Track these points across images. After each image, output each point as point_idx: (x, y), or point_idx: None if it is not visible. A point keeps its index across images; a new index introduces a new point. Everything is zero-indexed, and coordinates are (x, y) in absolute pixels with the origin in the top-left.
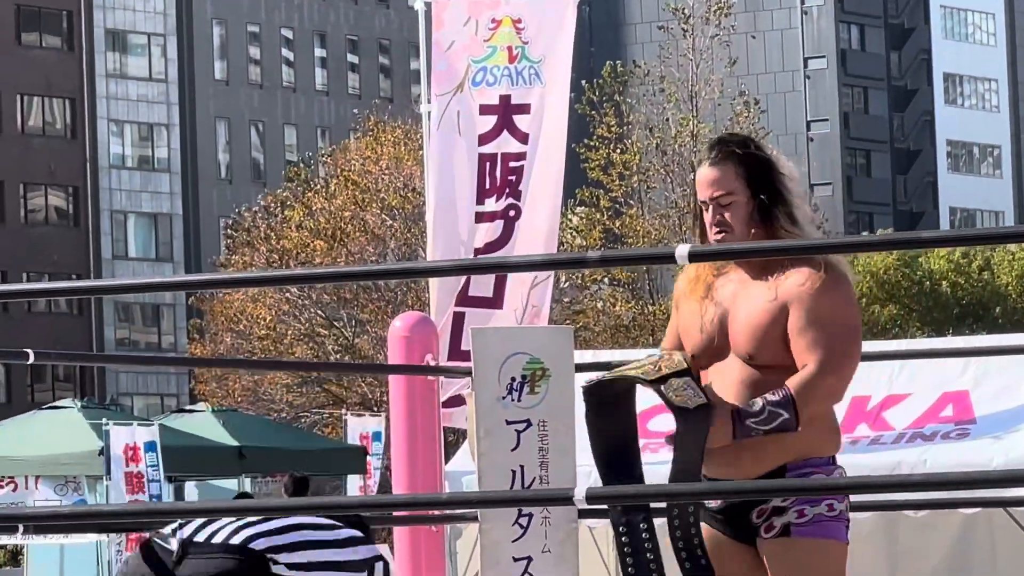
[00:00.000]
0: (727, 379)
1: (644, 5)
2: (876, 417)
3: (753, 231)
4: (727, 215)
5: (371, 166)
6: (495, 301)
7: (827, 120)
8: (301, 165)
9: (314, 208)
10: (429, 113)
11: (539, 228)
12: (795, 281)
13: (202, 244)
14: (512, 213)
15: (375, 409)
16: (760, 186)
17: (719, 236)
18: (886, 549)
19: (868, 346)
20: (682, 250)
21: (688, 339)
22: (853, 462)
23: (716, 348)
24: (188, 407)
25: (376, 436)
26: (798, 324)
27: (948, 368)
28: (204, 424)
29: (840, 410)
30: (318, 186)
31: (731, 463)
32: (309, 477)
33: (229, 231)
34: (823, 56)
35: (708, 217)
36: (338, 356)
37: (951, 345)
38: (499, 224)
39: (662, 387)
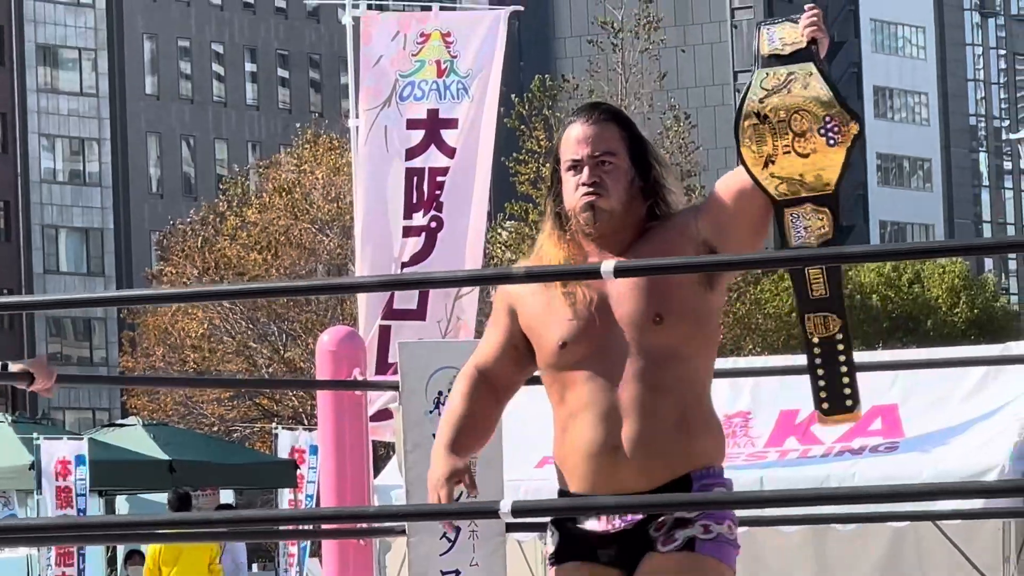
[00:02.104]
0: (630, 364)
1: (573, 19)
2: (805, 431)
3: (631, 202)
4: (605, 177)
5: (304, 179)
6: (419, 313)
7: None
8: (237, 178)
9: (247, 221)
10: (357, 128)
11: (464, 241)
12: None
13: (134, 258)
14: (434, 225)
15: (307, 423)
16: (641, 159)
17: (588, 197)
18: (815, 563)
19: (796, 359)
20: (608, 265)
21: (548, 331)
22: (782, 476)
23: (596, 333)
24: (119, 421)
25: (313, 450)
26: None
27: (877, 382)
28: (135, 438)
29: (769, 424)
30: (251, 199)
31: (633, 473)
32: (190, 492)
33: (162, 242)
34: (751, 71)
35: (576, 179)
36: (270, 369)
37: (880, 359)
38: (423, 237)
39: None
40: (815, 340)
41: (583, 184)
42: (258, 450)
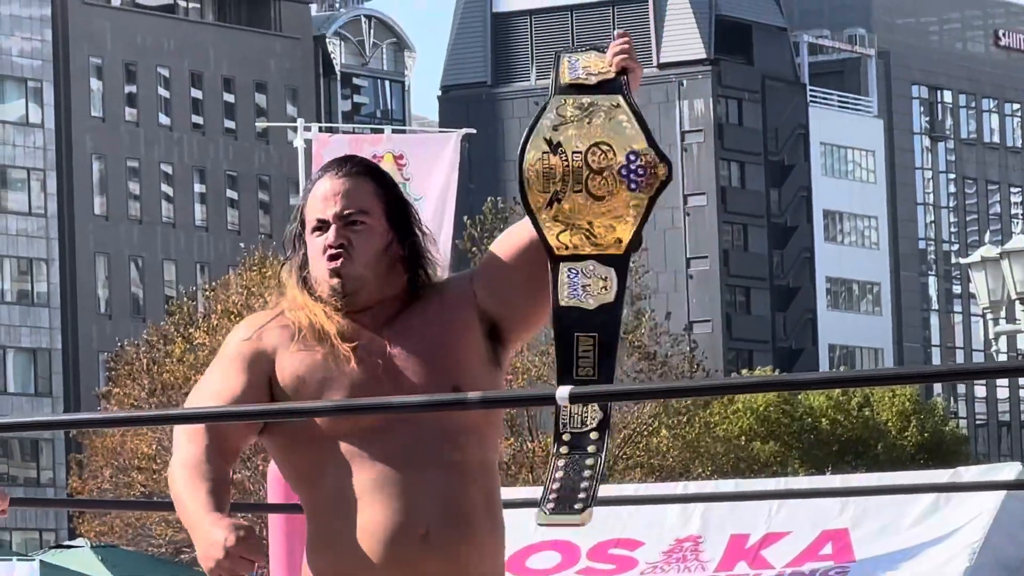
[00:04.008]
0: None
1: None
2: (755, 555)
3: (388, 271)
4: (353, 238)
5: (253, 300)
6: None
7: (706, 257)
8: (184, 300)
9: (195, 342)
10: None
11: None
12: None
13: (81, 379)
14: None
15: None
16: (401, 223)
17: (334, 262)
18: None
19: (748, 484)
20: (562, 392)
21: (323, 392)
22: None
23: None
24: (67, 543)
25: None
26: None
27: (827, 506)
28: (84, 560)
29: (719, 548)
30: (199, 320)
31: (441, 565)
32: None
33: (111, 364)
34: (703, 193)
35: (321, 240)
36: None
37: (830, 483)
38: None
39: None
40: (567, 436)
41: (329, 247)
42: None
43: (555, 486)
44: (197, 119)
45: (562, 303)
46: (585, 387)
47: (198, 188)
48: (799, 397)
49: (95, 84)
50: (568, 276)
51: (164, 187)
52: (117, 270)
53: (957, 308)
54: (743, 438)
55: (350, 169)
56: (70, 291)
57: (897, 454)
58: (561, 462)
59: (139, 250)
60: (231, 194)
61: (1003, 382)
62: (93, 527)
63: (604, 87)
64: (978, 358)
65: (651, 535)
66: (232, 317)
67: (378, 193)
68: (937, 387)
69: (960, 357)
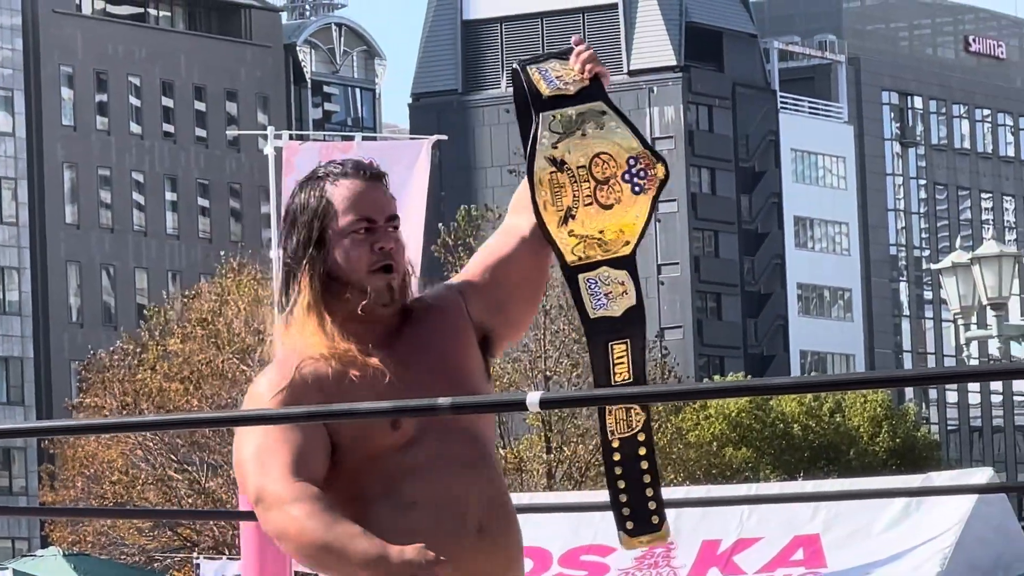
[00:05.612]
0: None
1: (494, 149)
2: (727, 561)
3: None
4: (396, 244)
5: (225, 309)
6: None
7: (677, 264)
8: (156, 307)
9: (169, 350)
10: (278, 258)
11: None
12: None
13: (53, 387)
14: None
15: (228, 552)
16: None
17: (390, 260)
18: None
19: (719, 490)
20: (533, 397)
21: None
22: None
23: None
24: (39, 551)
25: None
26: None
27: (799, 511)
28: (55, 568)
29: (691, 554)
30: (172, 329)
31: (502, 566)
32: None
33: (83, 373)
34: (674, 200)
35: (368, 240)
36: (191, 500)
37: (802, 489)
38: None
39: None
40: (615, 443)
41: (383, 248)
42: None
43: (624, 504)
44: (168, 127)
45: (592, 316)
46: (555, 393)
47: (169, 196)
48: (771, 403)
49: (66, 93)
50: (589, 287)
51: (135, 195)
52: (89, 279)
53: (928, 314)
54: (715, 444)
55: (376, 174)
56: (42, 300)
57: (869, 460)
58: (619, 470)
59: (110, 258)
60: (202, 202)
61: (974, 387)
62: (65, 536)
63: (583, 95)
64: (949, 364)
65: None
66: (206, 325)
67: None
68: (909, 392)
69: (931, 363)
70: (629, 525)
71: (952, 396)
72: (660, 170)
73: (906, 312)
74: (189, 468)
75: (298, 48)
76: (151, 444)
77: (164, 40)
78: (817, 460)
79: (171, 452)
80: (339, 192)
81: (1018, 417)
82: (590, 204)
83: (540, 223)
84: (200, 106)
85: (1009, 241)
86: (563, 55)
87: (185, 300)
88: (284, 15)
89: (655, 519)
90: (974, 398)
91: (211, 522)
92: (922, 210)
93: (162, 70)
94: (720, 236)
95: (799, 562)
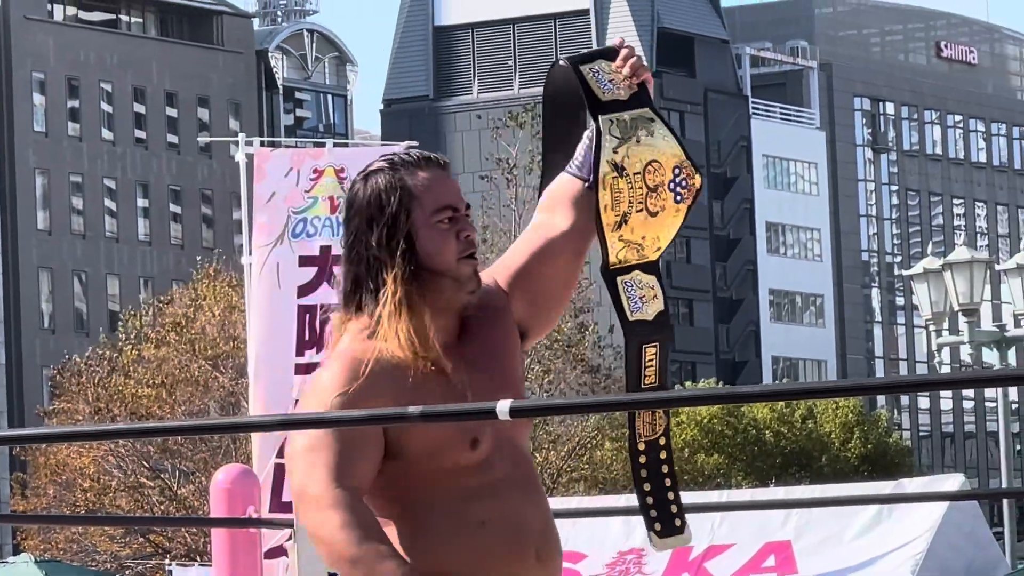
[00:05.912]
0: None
1: (467, 155)
2: (698, 568)
3: None
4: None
5: (199, 315)
6: None
7: None
8: (132, 311)
9: (143, 356)
10: (251, 264)
11: None
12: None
13: (25, 394)
14: None
15: (200, 559)
16: None
17: (476, 262)
18: None
19: (692, 496)
20: (503, 405)
21: (449, 427)
22: None
23: (494, 425)
24: (10, 558)
25: None
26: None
27: (770, 518)
28: (27, 574)
29: (662, 560)
30: (148, 334)
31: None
32: None
33: (56, 379)
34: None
35: (453, 228)
36: (163, 507)
37: (773, 496)
38: None
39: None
40: (641, 446)
41: (468, 237)
42: None
43: (651, 506)
44: (140, 134)
45: (630, 318)
46: (525, 401)
47: (141, 203)
48: (743, 409)
49: (38, 99)
50: (626, 289)
51: (107, 202)
52: (60, 285)
53: (900, 320)
54: (687, 450)
55: (446, 162)
56: (13, 306)
57: (841, 466)
58: (644, 472)
59: (82, 265)
60: (174, 208)
61: (946, 394)
62: (37, 543)
63: (634, 100)
64: (921, 370)
65: (594, 548)
66: (180, 330)
67: None
68: (881, 399)
69: (903, 369)
70: (658, 527)
71: (924, 402)
72: (697, 180)
73: (878, 318)
74: (161, 475)
75: (270, 54)
76: (123, 451)
77: (136, 46)
78: (789, 466)
79: (143, 459)
80: (419, 182)
81: (990, 423)
82: (641, 211)
83: (598, 224)
84: (172, 112)
85: (981, 247)
86: (606, 54)
87: (159, 306)
88: (256, 21)
89: (678, 522)
90: (946, 404)
91: (183, 529)
92: (894, 216)
93: (134, 76)
94: (692, 242)
95: (771, 568)
